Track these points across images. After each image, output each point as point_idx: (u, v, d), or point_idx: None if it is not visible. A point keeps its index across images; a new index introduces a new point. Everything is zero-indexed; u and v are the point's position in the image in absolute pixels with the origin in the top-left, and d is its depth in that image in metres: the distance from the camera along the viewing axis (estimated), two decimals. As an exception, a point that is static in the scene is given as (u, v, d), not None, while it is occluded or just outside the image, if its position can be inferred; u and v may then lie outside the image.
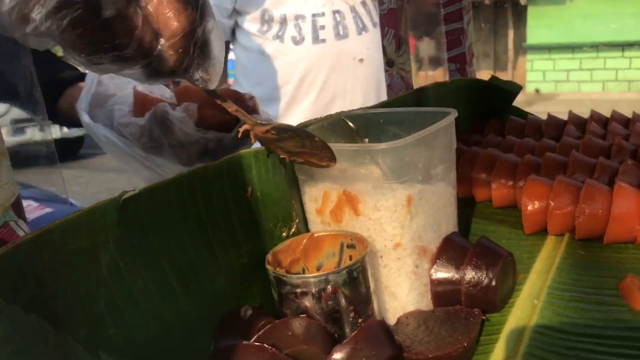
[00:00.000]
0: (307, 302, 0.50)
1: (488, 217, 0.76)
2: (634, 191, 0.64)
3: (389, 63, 1.11)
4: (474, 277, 0.56)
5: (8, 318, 0.37)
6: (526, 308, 0.56)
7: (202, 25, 0.46)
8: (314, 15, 1.44)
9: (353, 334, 0.48)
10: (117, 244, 0.46)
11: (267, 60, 1.47)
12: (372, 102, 1.35)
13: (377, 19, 1.40)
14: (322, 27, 1.44)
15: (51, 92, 0.91)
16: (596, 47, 8.35)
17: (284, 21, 1.44)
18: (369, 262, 0.53)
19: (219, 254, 0.54)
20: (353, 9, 1.47)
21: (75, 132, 5.77)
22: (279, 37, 1.44)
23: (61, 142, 5.32)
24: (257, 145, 0.60)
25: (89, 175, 5.49)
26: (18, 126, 4.92)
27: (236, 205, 0.57)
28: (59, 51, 0.47)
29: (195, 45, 0.46)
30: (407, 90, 1.07)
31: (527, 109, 1.12)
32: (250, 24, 1.46)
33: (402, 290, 0.56)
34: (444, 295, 0.57)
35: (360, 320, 0.51)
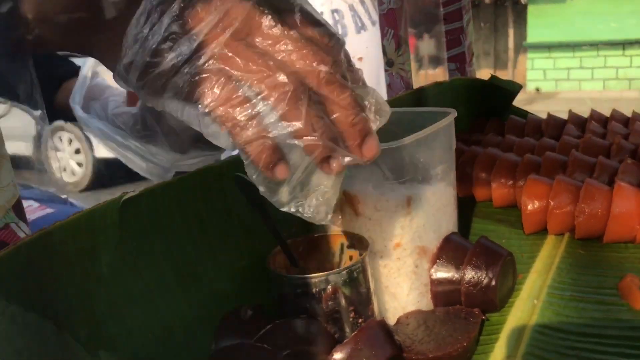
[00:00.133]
0: (307, 303, 0.50)
1: (488, 216, 0.76)
2: (633, 190, 0.64)
3: (388, 63, 1.11)
4: (473, 277, 0.56)
5: (9, 319, 0.37)
6: (526, 308, 0.56)
7: None
8: None
9: (353, 334, 0.48)
10: (118, 245, 0.46)
11: None
12: (371, 101, 1.35)
13: (376, 18, 1.40)
14: None
15: (48, 87, 0.91)
16: (596, 45, 8.34)
17: None
18: (369, 263, 0.53)
19: (219, 255, 0.55)
20: (352, 8, 1.47)
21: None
22: None
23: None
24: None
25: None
26: (18, 127, 4.93)
27: (236, 206, 0.57)
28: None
29: None
30: (406, 90, 1.07)
31: (527, 108, 1.12)
32: None
33: (402, 291, 0.56)
34: (444, 295, 0.57)
35: (360, 320, 0.51)
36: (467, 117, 1.05)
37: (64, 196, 1.13)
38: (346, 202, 0.56)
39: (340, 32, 1.46)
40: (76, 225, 0.43)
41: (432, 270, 0.57)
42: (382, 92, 1.34)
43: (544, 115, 1.02)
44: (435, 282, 0.57)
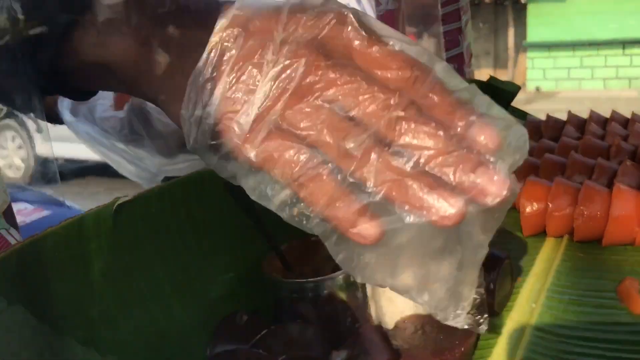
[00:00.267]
0: (304, 308, 0.50)
1: (486, 218, 0.76)
2: (633, 193, 0.63)
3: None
4: (471, 281, 0.55)
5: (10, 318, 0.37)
6: (524, 311, 0.55)
7: None
8: None
9: (350, 339, 0.48)
10: (111, 250, 0.45)
11: None
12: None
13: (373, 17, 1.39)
14: None
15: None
16: (596, 44, 8.34)
17: None
18: (365, 267, 0.52)
19: (214, 260, 0.54)
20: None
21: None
22: None
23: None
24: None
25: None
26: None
27: (231, 211, 0.56)
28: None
29: None
30: (405, 91, 1.07)
31: (527, 107, 1.11)
32: None
33: (399, 295, 0.56)
34: (442, 299, 0.56)
35: (357, 325, 0.51)
36: (466, 118, 1.04)
37: (60, 198, 1.13)
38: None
39: None
40: (69, 232, 0.43)
41: (430, 274, 0.57)
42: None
43: (544, 115, 1.02)
44: (432, 286, 0.56)
